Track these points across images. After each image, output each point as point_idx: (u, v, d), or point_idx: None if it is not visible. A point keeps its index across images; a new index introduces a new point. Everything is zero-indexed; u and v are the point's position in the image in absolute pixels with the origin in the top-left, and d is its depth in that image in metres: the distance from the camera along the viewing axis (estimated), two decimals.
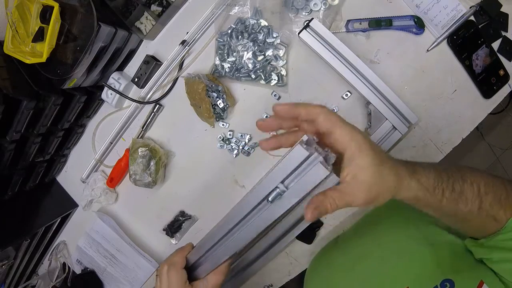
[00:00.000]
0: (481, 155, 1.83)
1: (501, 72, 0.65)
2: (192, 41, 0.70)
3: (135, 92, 0.76)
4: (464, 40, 0.63)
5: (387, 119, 0.63)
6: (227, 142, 0.74)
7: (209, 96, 0.68)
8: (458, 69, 0.65)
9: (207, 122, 0.73)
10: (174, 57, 0.71)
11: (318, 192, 0.37)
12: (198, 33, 0.70)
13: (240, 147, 0.74)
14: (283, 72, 0.69)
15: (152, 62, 0.72)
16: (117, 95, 0.73)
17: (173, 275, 0.51)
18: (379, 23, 0.63)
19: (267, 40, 0.67)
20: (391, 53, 0.65)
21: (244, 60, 0.68)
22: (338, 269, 0.61)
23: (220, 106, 0.70)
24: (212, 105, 0.69)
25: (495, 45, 0.65)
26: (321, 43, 0.61)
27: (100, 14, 0.56)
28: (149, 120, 0.76)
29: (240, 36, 0.68)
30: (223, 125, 0.73)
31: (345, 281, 0.57)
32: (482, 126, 1.75)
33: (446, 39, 0.63)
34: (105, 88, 0.73)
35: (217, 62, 0.70)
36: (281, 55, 0.68)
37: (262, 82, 0.69)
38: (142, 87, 0.74)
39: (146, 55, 0.73)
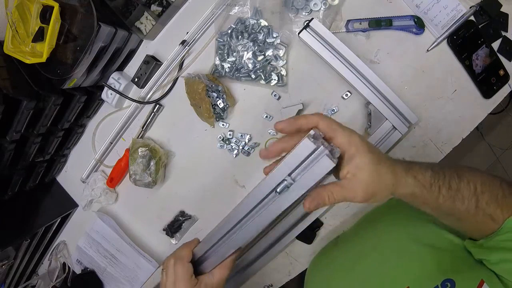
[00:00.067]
0: (481, 155, 1.83)
1: (501, 72, 0.65)
2: (192, 41, 0.70)
3: (135, 92, 0.76)
4: (464, 40, 0.63)
5: (387, 119, 0.63)
6: (227, 142, 0.74)
7: (209, 96, 0.68)
8: (458, 69, 0.65)
9: (207, 122, 0.73)
10: (174, 57, 0.71)
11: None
12: (198, 33, 0.70)
13: (240, 147, 0.74)
14: (283, 72, 0.69)
15: (152, 62, 0.72)
16: (117, 95, 0.73)
17: (179, 268, 0.52)
18: (379, 23, 0.63)
19: (267, 40, 0.67)
20: (391, 53, 0.65)
21: (244, 60, 0.68)
22: (338, 269, 0.61)
23: (220, 106, 0.70)
24: (212, 105, 0.69)
25: (495, 45, 0.65)
26: (321, 43, 0.61)
27: (100, 14, 0.56)
28: (149, 120, 0.76)
29: (240, 36, 0.68)
30: (223, 125, 0.73)
31: (345, 281, 0.57)
32: (482, 126, 1.75)
33: (446, 39, 0.63)
34: (105, 88, 0.73)
35: (217, 62, 0.70)
36: (281, 55, 0.68)
37: (262, 82, 0.69)
38: (142, 87, 0.74)
39: (146, 55, 0.73)
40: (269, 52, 0.67)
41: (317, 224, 0.74)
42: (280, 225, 0.72)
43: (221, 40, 0.69)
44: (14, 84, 0.58)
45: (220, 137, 0.74)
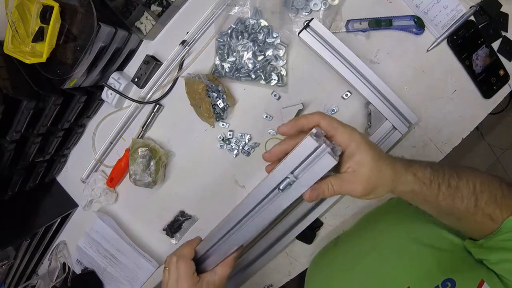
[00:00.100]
0: (481, 155, 1.83)
1: (501, 72, 0.65)
2: (192, 41, 0.70)
3: (135, 92, 0.76)
4: (464, 40, 0.63)
5: (387, 119, 0.63)
6: (227, 142, 0.74)
7: (209, 96, 0.68)
8: (458, 69, 0.65)
9: (207, 122, 0.73)
10: (174, 57, 0.71)
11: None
12: (198, 33, 0.70)
13: (240, 147, 0.74)
14: (283, 72, 0.69)
15: (152, 62, 0.72)
16: (117, 95, 0.73)
17: (181, 266, 0.52)
18: (379, 23, 0.63)
19: (267, 40, 0.67)
20: (391, 53, 0.65)
21: (244, 60, 0.68)
22: (338, 269, 0.61)
23: (220, 106, 0.70)
24: (212, 105, 0.69)
25: (495, 45, 0.65)
26: (321, 43, 0.61)
27: (100, 14, 0.56)
28: (149, 120, 0.76)
29: (240, 36, 0.68)
30: (223, 125, 0.73)
31: (345, 280, 0.57)
32: (482, 126, 1.75)
33: (446, 39, 0.63)
34: (105, 88, 0.73)
35: (217, 62, 0.70)
36: (281, 55, 0.68)
37: (262, 82, 0.69)
38: (142, 87, 0.74)
39: (146, 55, 0.73)
40: (269, 52, 0.67)
41: (317, 224, 0.74)
42: (280, 225, 0.72)
43: (221, 40, 0.69)
44: (14, 84, 0.58)
45: (220, 137, 0.74)
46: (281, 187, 0.41)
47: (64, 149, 0.80)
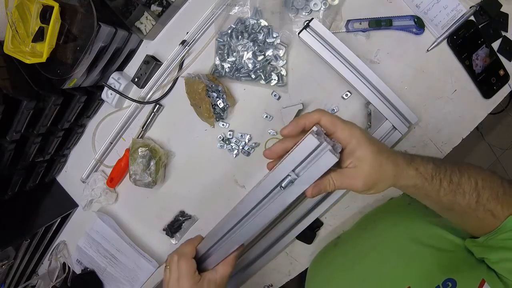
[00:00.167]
0: (481, 155, 1.83)
1: (501, 72, 0.65)
2: (192, 41, 0.70)
3: (135, 92, 0.76)
4: (464, 40, 0.63)
5: (387, 119, 0.63)
6: (227, 142, 0.74)
7: (209, 96, 0.68)
8: (458, 69, 0.65)
9: (207, 122, 0.73)
10: (174, 57, 0.71)
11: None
12: (198, 33, 0.70)
13: (240, 147, 0.74)
14: (283, 72, 0.69)
15: (152, 62, 0.72)
16: (117, 95, 0.73)
17: (182, 264, 0.52)
18: (379, 23, 0.63)
19: (267, 40, 0.67)
20: (391, 53, 0.65)
21: (244, 60, 0.68)
22: (338, 269, 0.61)
23: (220, 106, 0.70)
24: (212, 105, 0.69)
25: (495, 45, 0.65)
26: (321, 43, 0.61)
27: (100, 14, 0.56)
28: (149, 120, 0.76)
29: (240, 36, 0.68)
30: (223, 125, 0.73)
31: (345, 280, 0.57)
32: (482, 126, 1.75)
33: (446, 39, 0.63)
34: (105, 88, 0.73)
35: (217, 62, 0.70)
36: (281, 55, 0.68)
37: (262, 82, 0.69)
38: (142, 87, 0.74)
39: (146, 55, 0.73)
40: (269, 52, 0.67)
41: (317, 224, 0.74)
42: (280, 225, 0.72)
43: (221, 40, 0.69)
44: (14, 84, 0.58)
45: (220, 137, 0.74)
46: (283, 185, 0.41)
47: (64, 149, 0.80)
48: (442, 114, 0.67)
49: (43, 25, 0.54)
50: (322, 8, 0.65)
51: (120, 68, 0.75)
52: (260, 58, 0.68)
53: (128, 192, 0.84)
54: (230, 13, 0.68)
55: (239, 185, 0.76)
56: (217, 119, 0.72)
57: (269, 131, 0.72)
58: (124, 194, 0.84)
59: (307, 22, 0.62)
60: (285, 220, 0.71)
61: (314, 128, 0.41)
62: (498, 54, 0.65)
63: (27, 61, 0.55)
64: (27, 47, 0.57)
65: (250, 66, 0.68)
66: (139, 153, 0.74)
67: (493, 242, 0.43)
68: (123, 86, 0.72)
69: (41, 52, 0.54)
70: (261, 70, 0.68)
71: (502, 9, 0.63)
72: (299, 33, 0.62)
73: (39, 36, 0.54)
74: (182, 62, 0.72)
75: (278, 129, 0.71)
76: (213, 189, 0.78)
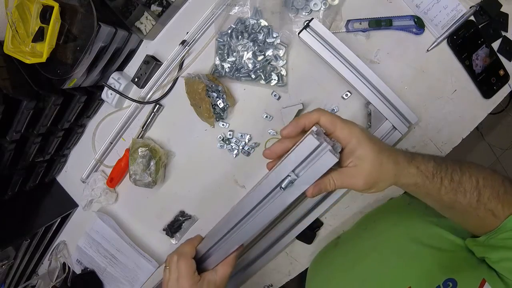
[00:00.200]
0: (481, 155, 1.83)
1: (501, 72, 0.65)
2: (192, 41, 0.70)
3: (135, 92, 0.76)
4: (464, 40, 0.63)
5: (387, 119, 0.63)
6: (227, 142, 0.74)
7: (209, 96, 0.68)
8: (458, 69, 0.65)
9: (207, 122, 0.73)
10: (174, 57, 0.71)
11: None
12: (198, 33, 0.70)
13: (240, 147, 0.74)
14: (283, 72, 0.69)
15: (152, 62, 0.72)
16: (117, 95, 0.73)
17: (182, 264, 0.52)
18: (379, 23, 0.63)
19: (267, 40, 0.67)
20: (391, 53, 0.65)
21: (244, 60, 0.68)
22: (338, 269, 0.61)
23: (220, 106, 0.70)
24: (212, 105, 0.69)
25: (495, 45, 0.65)
26: (321, 43, 0.61)
27: (100, 14, 0.56)
28: (149, 120, 0.76)
29: (240, 36, 0.68)
30: (223, 125, 0.73)
31: (345, 281, 0.57)
32: (482, 126, 1.75)
33: (446, 39, 0.63)
34: (105, 88, 0.73)
35: (217, 62, 0.70)
36: (281, 55, 0.68)
37: (262, 82, 0.69)
38: (142, 87, 0.74)
39: (146, 55, 0.73)
40: (269, 52, 0.67)
41: (317, 224, 0.74)
42: (280, 225, 0.72)
43: (221, 40, 0.69)
44: (14, 84, 0.58)
45: (220, 137, 0.74)
46: (282, 186, 0.41)
47: (64, 149, 0.80)
48: (442, 114, 0.67)
49: (43, 25, 0.54)
50: (322, 8, 0.65)
51: (120, 68, 0.75)
52: (260, 58, 0.68)
53: (128, 192, 0.84)
54: (230, 13, 0.68)
55: (239, 185, 0.76)
56: (217, 119, 0.72)
57: (269, 131, 0.72)
58: (124, 194, 0.84)
59: (307, 22, 0.62)
60: (285, 220, 0.71)
61: (314, 128, 0.40)
62: (498, 54, 0.65)
63: (27, 61, 0.55)
64: (27, 47, 0.57)
65: (250, 66, 0.68)
66: (139, 153, 0.74)
67: (493, 242, 0.43)
68: (123, 86, 0.72)
69: (41, 52, 0.54)
70: (261, 70, 0.68)
71: (502, 9, 0.63)
72: (299, 33, 0.62)
73: (39, 36, 0.54)
74: (182, 62, 0.72)
75: (278, 129, 0.71)
76: (213, 189, 0.78)
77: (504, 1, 0.63)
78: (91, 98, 0.73)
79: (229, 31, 0.68)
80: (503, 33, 0.65)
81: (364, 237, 0.64)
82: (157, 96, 0.75)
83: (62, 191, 0.88)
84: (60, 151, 0.80)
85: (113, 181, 0.81)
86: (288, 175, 0.41)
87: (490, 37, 0.64)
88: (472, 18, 0.63)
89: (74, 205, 0.88)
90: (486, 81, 0.65)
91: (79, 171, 0.84)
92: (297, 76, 0.69)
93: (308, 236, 0.74)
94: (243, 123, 0.73)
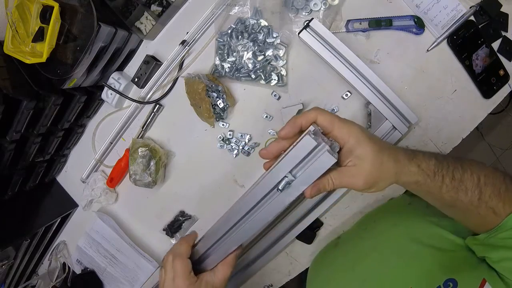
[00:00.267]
0: (481, 155, 1.83)
1: (501, 72, 0.65)
2: (192, 41, 0.70)
3: (135, 92, 0.76)
4: (464, 40, 0.63)
5: (387, 119, 0.63)
6: (227, 142, 0.74)
7: (209, 96, 0.68)
8: (458, 69, 0.65)
9: (207, 122, 0.73)
10: (174, 57, 0.71)
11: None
12: (198, 33, 0.70)
13: (240, 147, 0.74)
14: (283, 72, 0.69)
15: (152, 62, 0.72)
16: (117, 95, 0.73)
17: (177, 265, 0.51)
18: (379, 23, 0.63)
19: (267, 40, 0.67)
20: (391, 53, 0.65)
21: (244, 60, 0.68)
22: (338, 270, 0.61)
23: (220, 106, 0.70)
24: (212, 105, 0.69)
25: (495, 45, 0.65)
26: (321, 43, 0.61)
27: (100, 14, 0.56)
28: (149, 120, 0.76)
29: (240, 36, 0.68)
30: (223, 125, 0.73)
31: (345, 281, 0.57)
32: (482, 126, 1.75)
33: (446, 39, 0.63)
34: (105, 88, 0.73)
35: (217, 62, 0.70)
36: (281, 55, 0.68)
37: (262, 82, 0.69)
38: (142, 87, 0.74)
39: (146, 55, 0.73)
40: (269, 52, 0.67)
41: (317, 224, 0.74)
42: (280, 225, 0.72)
43: (221, 40, 0.69)
44: (14, 84, 0.58)
45: (220, 137, 0.74)
46: (279, 187, 0.40)
47: (64, 149, 0.80)
48: (442, 114, 0.67)
49: (43, 25, 0.54)
50: (322, 8, 0.65)
51: (120, 68, 0.75)
52: (260, 58, 0.68)
53: (128, 192, 0.84)
54: (230, 13, 0.68)
55: (239, 185, 0.76)
56: (217, 119, 0.72)
57: (269, 131, 0.72)
58: (124, 194, 0.84)
59: (307, 22, 0.62)
60: (285, 220, 0.71)
61: (311, 128, 0.40)
62: (498, 54, 0.65)
63: (27, 61, 0.55)
64: (27, 47, 0.57)
65: (250, 66, 0.68)
66: (139, 153, 0.74)
67: (493, 241, 0.43)
68: (123, 86, 0.72)
69: (41, 52, 0.54)
70: (261, 70, 0.68)
71: (502, 9, 0.63)
72: (299, 33, 0.62)
73: (39, 36, 0.54)
74: (182, 62, 0.72)
75: (278, 129, 0.71)
76: (213, 189, 0.78)
77: (504, 1, 0.63)
78: (91, 98, 0.73)
79: (229, 31, 0.68)
80: (503, 33, 0.65)
81: (364, 237, 0.64)
82: (157, 96, 0.75)
83: (62, 191, 0.88)
84: (60, 151, 0.80)
85: (113, 181, 0.81)
86: (285, 176, 0.40)
87: (490, 37, 0.64)
88: (472, 18, 0.63)
89: (74, 205, 0.88)
90: (486, 81, 0.65)
91: (79, 171, 0.84)
92: (297, 76, 0.69)
93: (308, 236, 0.74)
94: (243, 123, 0.73)
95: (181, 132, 0.77)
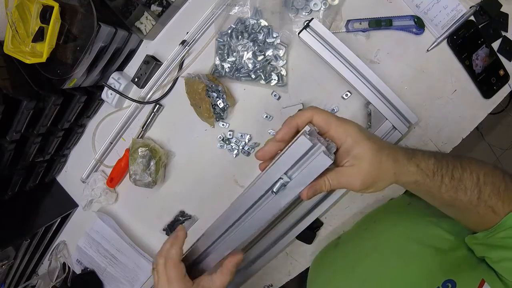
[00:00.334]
0: (481, 155, 1.83)
1: (501, 72, 0.65)
2: (192, 41, 0.70)
3: (135, 92, 0.76)
4: (464, 40, 0.63)
5: (387, 119, 0.63)
6: (227, 142, 0.74)
7: (209, 96, 0.68)
8: (458, 69, 0.65)
9: (207, 122, 0.73)
10: (174, 57, 0.71)
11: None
12: (198, 33, 0.70)
13: (240, 147, 0.74)
14: (283, 72, 0.69)
15: (152, 62, 0.72)
16: (117, 95, 0.73)
17: (171, 269, 0.49)
18: (379, 23, 0.63)
19: (267, 40, 0.67)
20: (391, 53, 0.65)
21: (244, 60, 0.68)
22: (339, 270, 0.61)
23: (220, 106, 0.70)
24: (212, 105, 0.69)
25: (495, 45, 0.65)
26: (321, 43, 0.61)
27: (100, 14, 0.56)
28: (149, 120, 0.76)
29: (240, 36, 0.68)
30: (223, 125, 0.73)
31: (346, 281, 0.57)
32: (482, 126, 1.75)
33: (446, 39, 0.63)
34: (105, 88, 0.73)
35: (217, 62, 0.70)
36: (281, 55, 0.68)
37: (262, 82, 0.69)
38: (142, 87, 0.74)
39: (146, 55, 0.73)
40: (269, 52, 0.67)
41: (317, 224, 0.74)
42: (280, 225, 0.72)
43: (221, 40, 0.69)
44: (14, 84, 0.58)
45: (220, 137, 0.74)
46: (274, 190, 0.39)
47: (64, 149, 0.80)
48: (442, 114, 0.67)
49: (43, 25, 0.54)
50: (322, 8, 0.65)
51: (120, 68, 0.75)
52: (260, 58, 0.68)
53: (128, 192, 0.84)
54: (230, 13, 0.68)
55: (239, 185, 0.76)
56: (217, 119, 0.72)
57: (269, 131, 0.72)
58: (124, 194, 0.84)
59: (307, 22, 0.62)
60: (285, 220, 0.71)
61: (307, 128, 0.39)
62: (498, 54, 0.65)
63: (27, 61, 0.55)
64: (27, 47, 0.57)
65: (250, 66, 0.68)
66: (139, 153, 0.74)
67: (492, 240, 0.43)
68: (123, 86, 0.72)
69: (41, 52, 0.54)
70: (261, 70, 0.68)
71: (502, 9, 0.63)
72: (299, 33, 0.62)
73: (39, 36, 0.54)
74: (182, 62, 0.72)
75: (278, 129, 0.71)
76: (213, 189, 0.78)
77: (504, 1, 0.63)
78: (91, 98, 0.73)
79: (229, 31, 0.68)
80: (503, 33, 0.65)
81: (364, 237, 0.64)
82: (157, 96, 0.75)
83: (62, 191, 0.88)
84: (60, 151, 0.80)
85: (113, 181, 0.81)
86: (280, 178, 0.39)
87: (490, 37, 0.64)
88: (472, 18, 0.63)
89: (74, 205, 0.88)
90: (486, 81, 0.65)
91: (79, 171, 0.84)
92: (297, 76, 0.69)
93: (308, 236, 0.74)
94: (243, 123, 0.73)
95: (181, 132, 0.77)
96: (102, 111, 0.80)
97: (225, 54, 0.69)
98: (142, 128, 0.77)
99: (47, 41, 0.53)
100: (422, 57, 0.65)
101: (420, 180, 0.40)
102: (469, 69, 0.64)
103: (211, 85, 0.68)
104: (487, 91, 0.65)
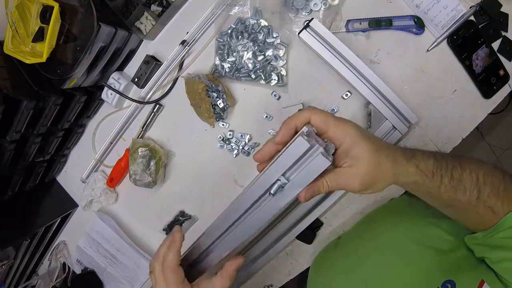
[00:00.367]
0: (481, 155, 1.83)
1: (501, 72, 0.65)
2: (192, 41, 0.70)
3: (135, 92, 0.76)
4: (464, 40, 0.63)
5: (387, 119, 0.63)
6: (227, 142, 0.74)
7: (209, 96, 0.68)
8: (458, 69, 0.65)
9: (207, 122, 0.73)
10: (174, 57, 0.71)
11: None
12: (198, 33, 0.70)
13: (240, 147, 0.74)
14: (283, 72, 0.69)
15: (152, 62, 0.72)
16: (117, 95, 0.73)
17: (169, 274, 0.48)
18: (379, 23, 0.63)
19: (267, 40, 0.67)
20: (391, 53, 0.65)
21: (244, 60, 0.68)
22: (339, 271, 0.61)
23: (220, 106, 0.70)
24: (212, 105, 0.69)
25: (495, 45, 0.65)
26: (321, 43, 0.61)
27: (100, 14, 0.56)
28: (149, 120, 0.76)
29: (240, 36, 0.68)
30: (223, 125, 0.73)
31: (346, 282, 0.57)
32: (482, 126, 1.75)
33: (446, 39, 0.63)
34: (105, 88, 0.73)
35: (217, 62, 0.70)
36: (281, 55, 0.68)
37: (262, 82, 0.69)
38: (142, 87, 0.74)
39: (146, 55, 0.73)
40: (269, 52, 0.67)
41: (317, 224, 0.74)
42: (280, 225, 0.72)
43: (221, 40, 0.69)
44: (14, 84, 0.58)
45: (220, 137, 0.74)
46: (272, 191, 0.39)
47: (64, 149, 0.80)
48: (442, 114, 0.67)
49: (43, 25, 0.54)
50: (322, 8, 0.65)
51: (120, 68, 0.75)
52: (260, 58, 0.68)
53: (128, 192, 0.84)
54: (230, 13, 0.68)
55: (239, 185, 0.77)
56: (217, 119, 0.72)
57: (269, 131, 0.72)
58: (124, 194, 0.84)
59: (307, 22, 0.62)
60: (285, 220, 0.71)
61: (304, 129, 0.38)
62: (498, 54, 0.65)
63: (27, 61, 0.55)
64: (27, 47, 0.57)
65: (250, 66, 0.68)
66: (139, 153, 0.74)
67: (492, 241, 0.43)
68: (123, 86, 0.72)
69: (41, 52, 0.54)
70: (261, 70, 0.68)
71: (502, 9, 0.63)
72: (299, 33, 0.62)
73: (39, 36, 0.54)
74: (182, 62, 0.72)
75: (278, 129, 0.71)
76: (213, 189, 0.78)
77: (504, 1, 0.63)
78: (91, 98, 0.73)
79: (229, 31, 0.68)
80: (503, 33, 0.64)
81: (364, 238, 0.64)
82: (157, 96, 0.75)
83: (62, 191, 0.88)
84: (60, 151, 0.80)
85: (113, 181, 0.81)
86: (277, 180, 0.38)
87: (490, 37, 0.64)
88: (472, 18, 0.63)
89: (74, 205, 0.88)
90: (486, 81, 0.65)
91: (79, 171, 0.84)
92: (297, 76, 0.69)
93: (308, 236, 0.74)
94: (243, 123, 0.73)
95: (181, 132, 0.77)
96: (102, 111, 0.80)
97: (225, 54, 0.69)
98: (142, 128, 0.77)
99: (47, 41, 0.53)
100: (422, 57, 0.65)
101: (419, 180, 0.40)
102: (469, 69, 0.64)
103: (211, 85, 0.68)
104: (487, 91, 0.65)
